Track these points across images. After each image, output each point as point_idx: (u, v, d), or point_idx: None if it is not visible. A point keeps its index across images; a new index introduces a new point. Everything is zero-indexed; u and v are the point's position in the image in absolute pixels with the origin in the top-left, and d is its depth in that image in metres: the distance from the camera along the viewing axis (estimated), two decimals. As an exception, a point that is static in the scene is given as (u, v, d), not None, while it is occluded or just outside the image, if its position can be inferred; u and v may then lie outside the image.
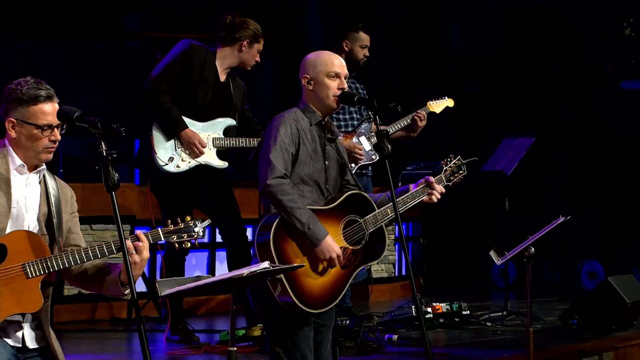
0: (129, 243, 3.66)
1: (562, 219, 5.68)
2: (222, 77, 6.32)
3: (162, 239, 3.80)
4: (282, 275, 4.27)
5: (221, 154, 6.32)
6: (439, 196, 4.76)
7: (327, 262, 4.43)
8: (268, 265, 3.82)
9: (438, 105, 7.08)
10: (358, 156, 6.55)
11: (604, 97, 10.56)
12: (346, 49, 6.95)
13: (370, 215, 4.59)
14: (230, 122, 6.35)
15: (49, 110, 3.73)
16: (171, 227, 3.82)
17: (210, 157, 6.26)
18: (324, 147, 4.64)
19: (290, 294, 4.30)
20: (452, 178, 4.91)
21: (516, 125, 10.31)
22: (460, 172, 4.92)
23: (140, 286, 7.29)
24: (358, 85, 7.06)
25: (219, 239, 7.72)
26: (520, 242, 5.52)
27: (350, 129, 6.84)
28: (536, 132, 8.37)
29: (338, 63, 4.64)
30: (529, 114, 10.71)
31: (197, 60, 6.19)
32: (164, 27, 9.47)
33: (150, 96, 6.14)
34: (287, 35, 9.98)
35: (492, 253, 5.64)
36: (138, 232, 3.73)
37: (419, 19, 10.87)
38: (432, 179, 4.77)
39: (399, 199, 4.66)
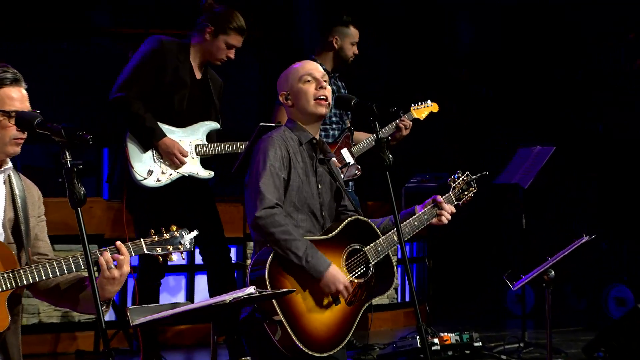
0: (107, 256, 3.64)
1: (586, 239, 5.69)
2: (199, 75, 6.28)
3: (145, 251, 3.78)
4: (282, 317, 4.26)
5: (205, 162, 6.30)
6: (450, 217, 4.78)
7: (332, 298, 4.41)
8: (254, 291, 3.82)
9: (421, 111, 7.08)
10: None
11: (632, 102, 10.59)
12: (336, 46, 6.99)
13: (373, 243, 4.59)
14: (213, 125, 6.32)
15: (16, 95, 3.70)
16: (155, 238, 3.81)
17: (194, 167, 6.23)
18: (316, 169, 4.64)
19: (293, 337, 4.28)
20: (462, 196, 4.93)
21: (534, 132, 10.33)
22: (471, 189, 4.95)
23: (109, 314, 7.28)
24: (340, 83, 7.09)
25: (198, 260, 7.72)
26: (539, 264, 5.53)
27: (330, 140, 6.84)
28: (556, 140, 8.39)
29: (309, 66, 4.69)
30: (549, 120, 10.74)
31: (169, 59, 6.14)
32: (136, 23, 9.49)
33: (120, 105, 6.07)
34: (277, 34, 10.01)
35: (507, 276, 5.64)
36: (118, 243, 3.71)
37: (424, 18, 10.92)
38: (440, 198, 4.79)
39: (405, 223, 4.67)
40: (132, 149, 6.10)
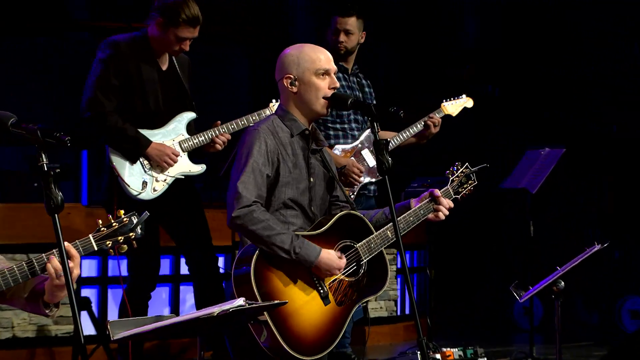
0: (56, 263, 3.62)
1: (597, 247, 5.70)
2: (165, 65, 6.26)
3: (95, 247, 3.75)
4: (267, 317, 4.26)
5: (194, 156, 6.29)
6: (447, 212, 4.78)
7: (321, 298, 4.41)
8: (243, 303, 3.81)
9: (454, 107, 7.12)
10: (354, 181, 6.58)
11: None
12: (362, 41, 7.02)
13: (366, 239, 4.60)
14: (190, 115, 6.30)
15: None
16: (104, 231, 3.77)
17: (185, 166, 6.23)
18: (308, 160, 4.64)
19: (280, 339, 4.29)
20: (460, 190, 4.93)
21: (543, 133, 10.35)
22: (470, 182, 4.96)
23: (88, 328, 7.27)
24: (364, 82, 7.09)
25: (183, 270, 7.71)
26: (548, 274, 5.54)
27: (350, 141, 6.85)
28: (567, 141, 8.40)
29: (326, 58, 4.65)
30: (558, 120, 10.75)
31: (130, 59, 6.08)
32: (117, 16, 9.49)
33: (95, 122, 6.03)
34: (269, 31, 10.02)
35: (514, 288, 5.65)
36: (67, 244, 3.64)
37: (426, 15, 10.96)
38: (438, 192, 4.79)
39: (400, 217, 4.65)
40: (120, 164, 6.06)
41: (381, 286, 4.67)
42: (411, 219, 4.74)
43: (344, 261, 4.49)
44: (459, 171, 4.96)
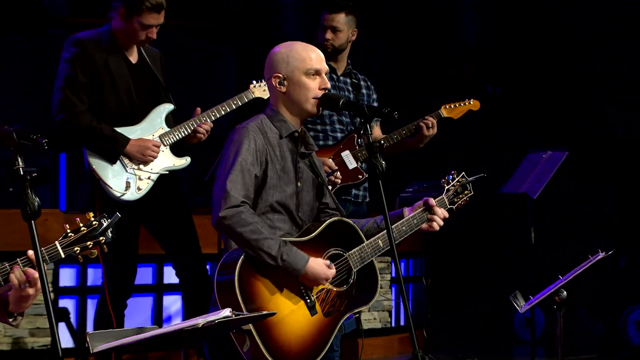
0: (19, 273, 3.61)
1: (602, 255, 5.71)
2: (134, 58, 6.26)
3: (62, 255, 3.72)
4: (251, 326, 4.27)
5: (175, 150, 6.28)
6: (442, 223, 4.80)
7: (308, 308, 4.42)
8: (230, 314, 3.81)
9: (456, 111, 7.11)
10: (334, 179, 6.57)
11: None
12: (353, 39, 7.01)
13: (357, 248, 4.61)
14: (168, 107, 6.29)
15: None
16: (71, 237, 3.75)
17: (168, 160, 6.22)
18: (296, 164, 4.64)
19: (263, 350, 4.30)
20: (455, 200, 4.95)
21: (544, 134, 10.37)
22: (466, 192, 4.98)
23: (67, 340, 7.27)
24: (362, 83, 7.07)
25: (167, 279, 7.71)
26: (549, 283, 5.55)
27: (330, 142, 6.84)
28: (569, 143, 8.42)
29: (317, 57, 4.66)
30: (560, 121, 10.78)
31: (96, 55, 6.09)
32: (96, 11, 9.48)
33: (68, 124, 6.04)
34: (257, 27, 10.03)
35: (514, 297, 5.66)
36: (30, 253, 3.65)
37: (424, 13, 10.99)
38: (432, 201, 4.80)
39: (392, 227, 4.66)
40: (99, 166, 6.05)
41: (371, 297, 4.67)
42: (404, 228, 4.74)
43: (333, 271, 4.50)
44: (455, 180, 4.98)
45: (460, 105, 7.10)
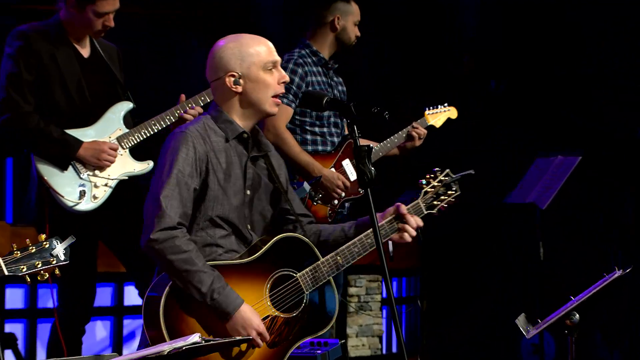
0: None
1: (619, 273, 5.73)
2: (86, 52, 6.26)
3: (6, 272, 3.73)
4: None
5: (136, 153, 6.27)
6: (414, 233, 4.67)
7: (246, 340, 4.39)
8: (200, 340, 3.81)
9: (436, 117, 7.18)
10: (336, 195, 6.58)
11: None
12: (337, 27, 7.01)
13: (310, 267, 4.55)
14: (126, 106, 6.28)
15: None
16: (17, 255, 3.76)
17: (127, 165, 6.21)
18: (246, 169, 4.60)
19: None
20: (435, 203, 4.84)
21: (555, 137, 10.42)
22: (450, 192, 4.88)
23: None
24: (337, 79, 7.09)
25: (128, 301, 7.71)
26: (560, 305, 5.56)
27: (329, 148, 6.85)
28: (582, 147, 8.45)
29: (269, 48, 4.65)
30: (573, 124, 10.82)
31: (42, 49, 6.08)
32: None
33: (12, 126, 6.01)
34: (231, 17, 10.06)
35: (520, 321, 5.68)
36: None
37: (424, 10, 11.09)
38: (404, 208, 4.70)
39: (355, 240, 4.57)
40: (50, 173, 6.03)
41: (327, 322, 4.60)
42: (369, 240, 4.61)
43: (263, 327, 4.44)
44: (437, 179, 4.88)
45: (440, 111, 7.16)
